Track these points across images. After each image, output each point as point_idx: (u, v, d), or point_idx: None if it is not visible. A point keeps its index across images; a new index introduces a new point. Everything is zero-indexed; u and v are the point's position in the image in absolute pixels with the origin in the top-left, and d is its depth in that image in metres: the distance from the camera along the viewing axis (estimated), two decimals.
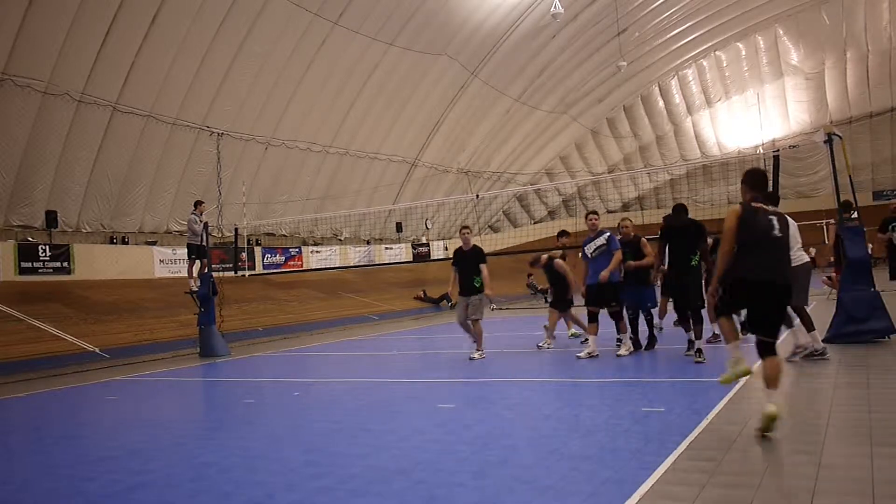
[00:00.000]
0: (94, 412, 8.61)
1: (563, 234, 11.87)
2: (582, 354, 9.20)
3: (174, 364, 12.98)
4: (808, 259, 8.08)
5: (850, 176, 10.10)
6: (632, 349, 9.44)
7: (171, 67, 20.36)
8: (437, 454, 4.94)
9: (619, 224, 9.92)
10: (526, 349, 11.01)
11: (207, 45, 20.74)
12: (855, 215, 10.63)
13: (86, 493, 4.58)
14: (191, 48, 20.40)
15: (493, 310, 22.60)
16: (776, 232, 5.00)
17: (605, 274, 9.08)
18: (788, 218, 5.31)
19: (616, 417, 5.71)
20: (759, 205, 5.14)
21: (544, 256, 11.48)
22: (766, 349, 4.93)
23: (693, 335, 8.50)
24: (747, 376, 5.24)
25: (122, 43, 18.84)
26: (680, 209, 8.93)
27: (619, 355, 9.19)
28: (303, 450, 5.41)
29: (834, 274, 14.92)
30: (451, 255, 11.03)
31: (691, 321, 8.56)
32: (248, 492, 4.36)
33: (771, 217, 5.07)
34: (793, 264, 6.45)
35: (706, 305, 6.99)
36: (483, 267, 10.10)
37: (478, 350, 10.17)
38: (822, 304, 15.16)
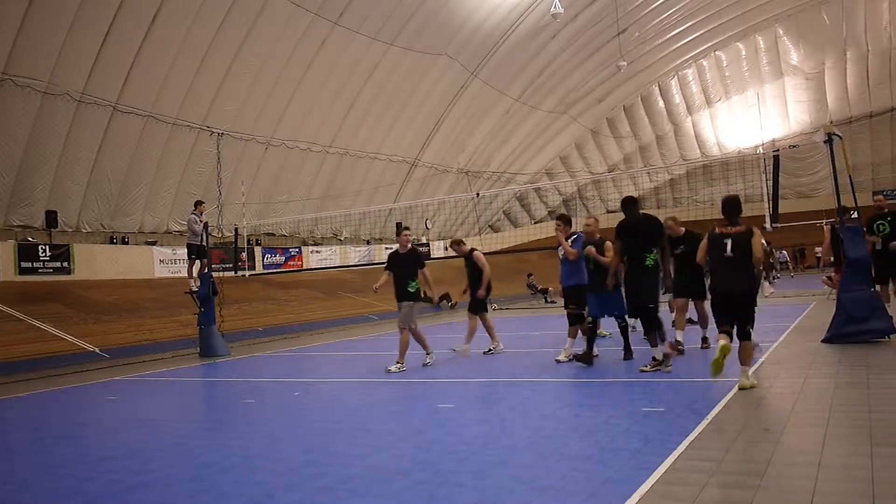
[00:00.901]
0: (94, 412, 8.61)
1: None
2: (560, 357, 9.00)
3: (174, 364, 12.97)
4: None
5: (850, 176, 10.11)
6: (571, 356, 8.87)
7: (171, 67, 20.35)
8: (437, 454, 4.94)
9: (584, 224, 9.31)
10: (526, 349, 11.01)
11: (207, 45, 20.74)
12: (855, 215, 10.67)
13: (86, 493, 4.58)
14: (191, 48, 20.40)
15: (494, 309, 22.59)
16: (727, 253, 6.50)
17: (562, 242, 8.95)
18: (750, 229, 6.62)
19: (616, 417, 5.71)
20: (722, 229, 6.65)
21: (465, 246, 10.97)
22: (742, 336, 6.41)
23: (650, 345, 7.78)
24: (727, 353, 6.26)
25: (122, 43, 18.84)
26: (628, 203, 8.17)
27: (556, 360, 8.94)
28: (303, 450, 5.42)
29: (834, 274, 14.95)
30: (451, 255, 10.95)
31: (644, 329, 7.93)
32: (248, 492, 4.36)
33: (725, 241, 6.55)
34: None
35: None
36: (423, 272, 9.47)
37: (397, 362, 9.29)
38: (822, 304, 15.17)
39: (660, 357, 7.70)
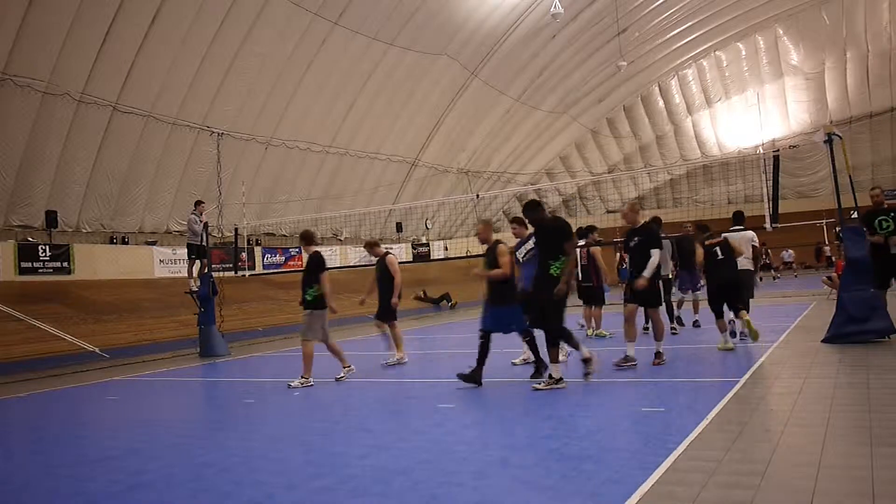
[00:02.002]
0: (94, 412, 8.61)
1: (591, 229, 11.78)
2: (560, 357, 8.95)
3: (174, 364, 12.97)
4: (749, 268, 10.53)
5: (850, 176, 10.10)
6: (567, 353, 8.57)
7: (171, 67, 20.35)
8: (437, 454, 4.94)
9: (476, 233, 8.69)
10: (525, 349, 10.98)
11: (207, 45, 20.73)
12: (855, 215, 10.64)
13: (86, 493, 4.58)
14: (191, 48, 20.39)
15: None
16: (719, 257, 9.34)
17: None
18: (730, 238, 9.64)
19: (616, 417, 5.71)
20: (710, 242, 9.49)
21: (380, 249, 10.33)
22: (736, 312, 9.28)
23: (549, 357, 7.29)
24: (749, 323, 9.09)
25: (122, 43, 18.83)
26: (528, 206, 7.63)
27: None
28: (303, 450, 5.42)
29: (834, 274, 14.98)
30: (452, 255, 10.90)
31: (546, 342, 7.31)
32: (248, 492, 4.36)
33: (715, 249, 9.39)
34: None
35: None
36: (322, 276, 8.71)
37: (302, 376, 8.70)
38: (822, 304, 15.17)
39: (556, 375, 7.18)
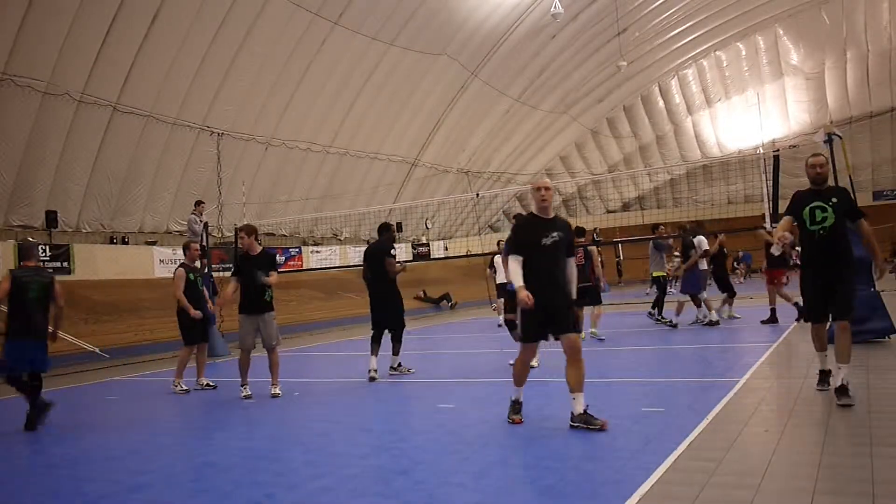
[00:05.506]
0: (94, 412, 8.61)
1: (582, 231, 11.89)
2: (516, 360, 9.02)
3: (174, 364, 12.93)
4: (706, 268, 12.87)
5: (850, 176, 10.10)
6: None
7: (171, 67, 20.34)
8: (437, 454, 4.94)
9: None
10: None
11: (207, 45, 20.73)
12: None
13: (86, 493, 4.58)
14: (191, 48, 20.39)
15: (494, 308, 22.58)
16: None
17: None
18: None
19: (616, 417, 5.71)
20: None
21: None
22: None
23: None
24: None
25: (122, 43, 18.83)
26: (382, 228, 9.22)
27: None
28: (303, 450, 5.42)
29: None
30: (452, 255, 10.91)
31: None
32: (248, 492, 4.36)
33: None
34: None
35: None
36: (273, 275, 8.18)
37: (273, 385, 8.32)
38: None
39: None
